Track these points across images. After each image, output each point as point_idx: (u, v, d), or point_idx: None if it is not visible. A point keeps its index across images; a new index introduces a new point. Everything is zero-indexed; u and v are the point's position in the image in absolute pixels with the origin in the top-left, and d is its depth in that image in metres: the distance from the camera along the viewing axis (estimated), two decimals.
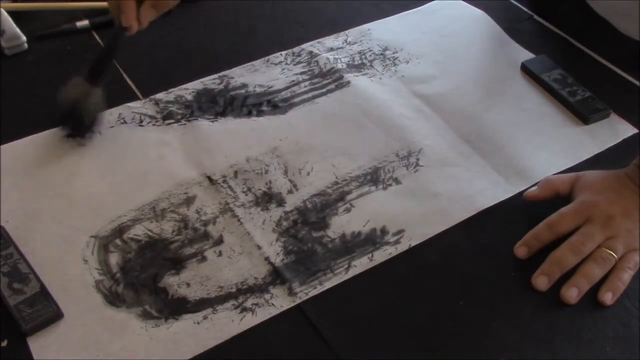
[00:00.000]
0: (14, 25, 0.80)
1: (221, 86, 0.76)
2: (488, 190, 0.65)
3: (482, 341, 0.54)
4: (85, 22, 0.85)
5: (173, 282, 0.57)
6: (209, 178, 0.66)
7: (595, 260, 0.57)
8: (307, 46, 0.83)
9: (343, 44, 0.83)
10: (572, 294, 0.56)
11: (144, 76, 0.78)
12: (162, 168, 0.67)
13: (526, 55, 0.82)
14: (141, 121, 0.72)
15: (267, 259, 0.59)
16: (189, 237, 0.61)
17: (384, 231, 0.62)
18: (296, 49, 0.82)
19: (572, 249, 0.58)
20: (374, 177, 0.67)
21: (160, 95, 0.75)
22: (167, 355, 0.52)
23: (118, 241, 0.60)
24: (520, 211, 0.64)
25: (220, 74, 0.78)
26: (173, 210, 0.63)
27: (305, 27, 0.86)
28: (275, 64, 0.80)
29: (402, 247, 0.60)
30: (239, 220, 0.62)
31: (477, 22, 0.88)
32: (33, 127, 0.70)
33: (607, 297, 0.56)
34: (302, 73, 0.79)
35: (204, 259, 0.59)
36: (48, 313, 0.54)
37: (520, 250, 0.60)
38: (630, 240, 0.58)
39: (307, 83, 0.77)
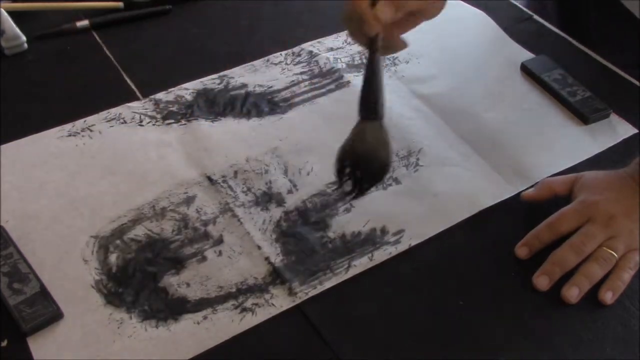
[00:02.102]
0: (14, 25, 0.80)
1: (221, 86, 0.76)
2: (488, 190, 0.65)
3: (482, 341, 0.54)
4: (85, 22, 0.85)
5: (173, 282, 0.57)
6: (209, 178, 0.66)
7: (596, 260, 0.57)
8: (307, 46, 0.83)
9: (343, 43, 0.83)
10: (572, 293, 0.56)
11: (144, 76, 0.78)
12: (162, 168, 0.67)
13: (526, 55, 0.81)
14: (141, 121, 0.72)
15: (267, 259, 0.59)
16: (189, 237, 0.61)
17: (383, 231, 0.62)
18: (296, 49, 0.82)
19: (573, 249, 0.58)
20: None
21: (160, 95, 0.75)
22: (167, 355, 0.52)
23: (118, 241, 0.60)
24: (520, 211, 0.64)
25: (220, 74, 0.78)
26: (173, 210, 0.63)
27: (305, 27, 0.86)
28: (275, 64, 0.80)
29: (402, 247, 0.60)
30: (239, 220, 0.62)
31: (477, 22, 0.88)
32: (33, 127, 0.70)
33: (608, 296, 0.56)
34: (302, 73, 0.79)
35: (204, 258, 0.59)
36: (48, 313, 0.54)
37: (521, 250, 0.60)
38: (631, 240, 0.58)
39: (307, 83, 0.77)
